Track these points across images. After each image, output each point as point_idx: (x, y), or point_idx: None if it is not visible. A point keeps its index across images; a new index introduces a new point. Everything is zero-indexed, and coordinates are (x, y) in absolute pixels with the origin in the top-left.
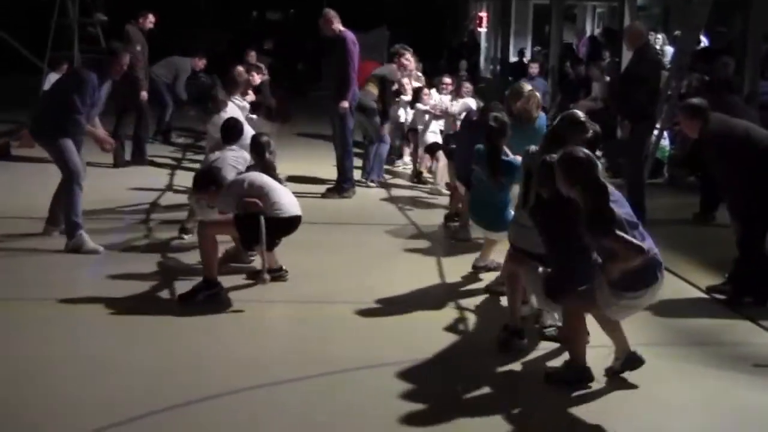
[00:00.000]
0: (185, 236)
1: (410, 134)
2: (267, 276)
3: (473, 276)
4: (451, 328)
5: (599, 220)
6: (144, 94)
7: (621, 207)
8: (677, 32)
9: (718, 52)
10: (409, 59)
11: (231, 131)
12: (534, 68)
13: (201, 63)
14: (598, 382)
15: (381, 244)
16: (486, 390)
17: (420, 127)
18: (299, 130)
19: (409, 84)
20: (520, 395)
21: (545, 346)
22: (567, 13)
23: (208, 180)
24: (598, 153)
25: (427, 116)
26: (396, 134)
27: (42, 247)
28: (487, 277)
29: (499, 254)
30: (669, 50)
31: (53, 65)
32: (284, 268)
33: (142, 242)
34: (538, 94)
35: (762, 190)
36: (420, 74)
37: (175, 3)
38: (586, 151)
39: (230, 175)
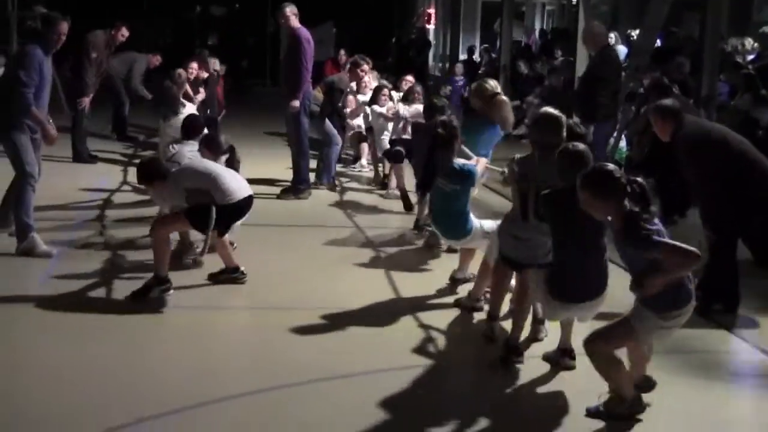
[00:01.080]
0: None
1: (368, 133)
2: (200, 256)
3: (441, 285)
4: (420, 340)
5: (640, 228)
6: (86, 101)
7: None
8: (630, 31)
9: (672, 52)
10: (365, 70)
11: (191, 127)
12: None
13: (156, 60)
14: (573, 390)
15: (339, 248)
16: (458, 404)
17: (385, 131)
18: (261, 128)
19: (369, 83)
20: (492, 409)
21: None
22: (516, 10)
23: (150, 171)
24: None
25: (381, 119)
26: (352, 140)
27: None
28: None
29: (475, 266)
30: (622, 49)
31: None
32: (242, 269)
33: (94, 240)
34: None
35: (735, 195)
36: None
37: None
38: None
39: None
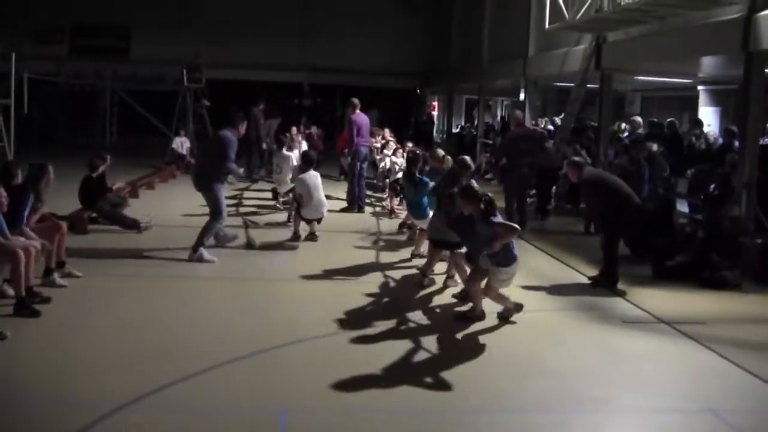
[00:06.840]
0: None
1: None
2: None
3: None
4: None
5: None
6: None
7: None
8: (555, 117)
9: (582, 130)
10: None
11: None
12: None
13: (261, 108)
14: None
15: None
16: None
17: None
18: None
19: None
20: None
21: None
22: (486, 103)
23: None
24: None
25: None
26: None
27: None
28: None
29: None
30: (550, 127)
31: (177, 132)
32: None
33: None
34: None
35: (616, 213)
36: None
37: (239, 91)
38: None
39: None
